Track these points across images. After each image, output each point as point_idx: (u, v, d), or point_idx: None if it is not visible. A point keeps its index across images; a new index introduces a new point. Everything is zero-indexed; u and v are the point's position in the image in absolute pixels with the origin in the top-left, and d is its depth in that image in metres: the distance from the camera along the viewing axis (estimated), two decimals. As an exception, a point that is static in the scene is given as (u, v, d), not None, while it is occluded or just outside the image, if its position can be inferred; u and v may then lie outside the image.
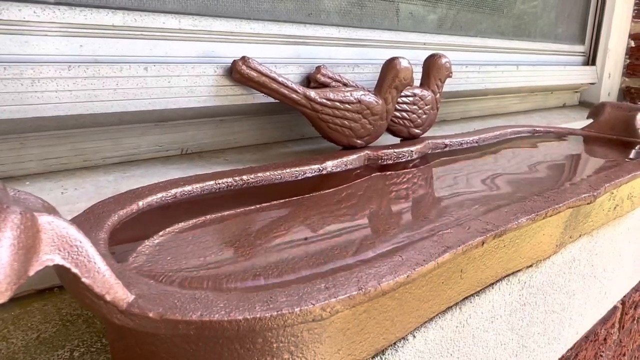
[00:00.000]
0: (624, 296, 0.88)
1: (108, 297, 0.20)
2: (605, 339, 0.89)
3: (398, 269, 0.24)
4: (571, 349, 0.75)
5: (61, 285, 0.34)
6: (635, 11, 1.06)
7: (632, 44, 1.07)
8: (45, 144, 0.38)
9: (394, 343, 0.29)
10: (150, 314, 0.19)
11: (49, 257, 0.19)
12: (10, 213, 0.18)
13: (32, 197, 0.23)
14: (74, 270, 0.20)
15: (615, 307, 0.88)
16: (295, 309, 0.20)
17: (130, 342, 0.23)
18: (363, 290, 0.22)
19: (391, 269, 0.24)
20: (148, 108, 0.38)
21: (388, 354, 0.28)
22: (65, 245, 0.20)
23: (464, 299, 0.34)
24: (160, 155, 0.44)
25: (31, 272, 0.18)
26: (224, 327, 0.19)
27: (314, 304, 0.20)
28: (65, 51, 0.35)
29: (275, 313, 0.20)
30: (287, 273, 0.27)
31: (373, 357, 0.28)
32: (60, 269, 0.20)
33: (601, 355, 0.90)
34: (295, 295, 0.21)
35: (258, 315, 0.20)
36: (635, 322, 1.02)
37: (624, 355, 1.02)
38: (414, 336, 0.30)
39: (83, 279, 0.20)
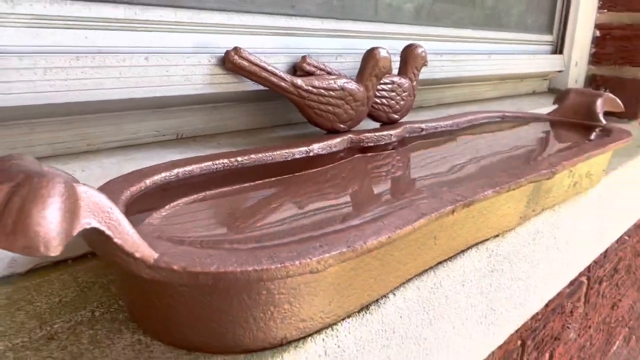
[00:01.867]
0: (589, 271, 0.94)
1: (137, 255, 0.23)
2: (572, 312, 0.96)
3: (381, 231, 0.28)
4: (540, 319, 0.81)
5: (75, 257, 0.37)
6: (601, 2, 1.11)
7: (598, 33, 1.13)
8: (53, 129, 0.41)
9: (377, 300, 0.33)
10: (175, 267, 0.23)
11: (86, 220, 0.22)
12: (56, 183, 0.21)
13: (63, 172, 0.26)
14: (107, 232, 0.23)
15: (581, 282, 0.95)
16: (296, 262, 0.24)
17: (151, 297, 0.27)
18: (351, 247, 0.26)
19: (375, 231, 0.28)
20: (149, 95, 0.41)
21: (372, 309, 0.32)
22: (99, 211, 0.23)
23: (437, 264, 0.38)
24: (158, 140, 0.48)
25: (74, 233, 0.22)
26: (237, 278, 0.23)
27: (311, 258, 0.24)
28: (72, 42, 0.38)
29: (279, 265, 0.24)
30: (284, 238, 0.30)
31: (359, 310, 0.32)
32: (94, 232, 0.23)
33: (568, 327, 0.97)
34: (294, 251, 0.25)
35: (265, 267, 0.23)
36: (600, 296, 1.09)
37: (590, 327, 1.09)
38: (394, 294, 0.34)
39: (115, 240, 0.23)
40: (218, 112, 0.52)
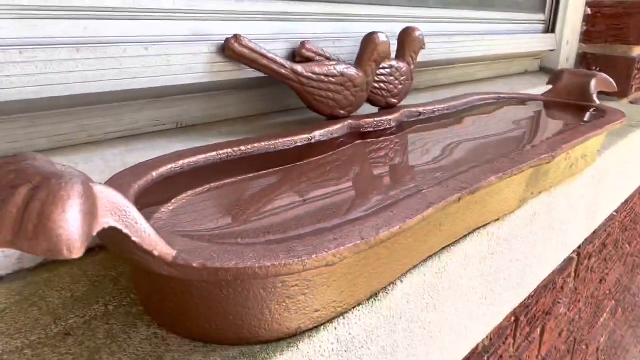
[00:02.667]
0: (579, 248, 0.96)
1: (155, 253, 0.24)
2: (562, 287, 0.98)
3: (391, 222, 0.28)
4: (532, 296, 0.83)
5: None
6: (592, -20, 1.11)
7: (589, 11, 1.13)
8: (53, 122, 0.40)
9: (385, 287, 0.34)
10: (194, 264, 0.23)
11: (105, 220, 0.22)
12: (75, 184, 0.21)
13: (76, 170, 0.26)
14: (125, 231, 0.23)
15: (571, 258, 0.97)
16: (312, 256, 0.24)
17: (168, 293, 0.27)
18: (365, 239, 0.26)
19: (386, 222, 0.28)
20: (150, 86, 0.40)
21: (381, 296, 0.33)
22: (116, 210, 0.23)
23: (442, 249, 0.39)
24: (158, 130, 0.47)
25: (94, 233, 0.22)
26: (255, 273, 0.23)
27: (327, 252, 0.25)
28: (72, 33, 0.37)
29: (297, 259, 0.24)
30: (293, 229, 0.31)
31: (369, 298, 0.32)
32: (111, 231, 0.23)
33: (559, 302, 0.99)
34: (310, 245, 0.25)
35: (283, 262, 0.24)
36: (589, 271, 1.12)
37: (579, 302, 1.12)
38: (402, 281, 0.35)
39: (133, 238, 0.23)
40: (217, 100, 0.51)
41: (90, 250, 0.37)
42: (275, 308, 0.27)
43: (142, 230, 0.24)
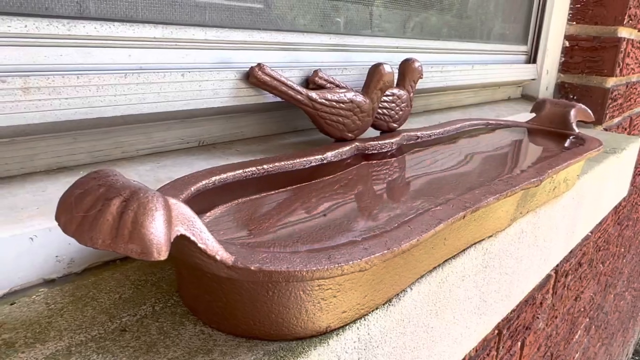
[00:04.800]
0: (557, 265, 1.02)
1: (218, 257, 0.27)
2: (541, 303, 1.04)
3: (410, 235, 0.33)
4: (514, 310, 0.88)
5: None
6: (570, 15, 1.19)
7: (567, 44, 1.21)
8: (92, 139, 0.44)
9: (398, 293, 0.38)
10: (252, 267, 0.27)
11: (177, 228, 0.26)
12: (159, 197, 0.25)
13: (141, 184, 0.30)
14: (193, 238, 0.27)
15: (549, 275, 1.03)
16: (350, 263, 0.29)
17: (217, 294, 0.31)
18: (390, 249, 0.31)
19: (406, 235, 0.33)
20: (184, 108, 0.44)
21: (394, 301, 0.37)
22: (185, 220, 0.27)
23: (444, 261, 0.44)
24: (183, 147, 0.51)
25: (172, 239, 0.26)
26: (303, 275, 0.28)
27: (360, 259, 0.29)
28: (118, 60, 0.41)
29: (337, 265, 0.28)
30: (319, 240, 0.35)
31: (385, 302, 0.37)
32: (181, 238, 0.27)
33: (537, 317, 1.05)
34: (347, 254, 0.29)
35: (325, 267, 0.28)
36: (565, 288, 1.18)
37: (556, 317, 1.18)
38: (411, 289, 0.39)
39: (199, 245, 0.27)
40: (234, 121, 0.56)
41: (126, 258, 0.41)
42: (310, 308, 0.31)
43: (205, 238, 0.28)
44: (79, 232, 0.24)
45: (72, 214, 0.25)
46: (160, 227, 0.24)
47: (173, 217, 0.26)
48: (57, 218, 0.26)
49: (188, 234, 0.27)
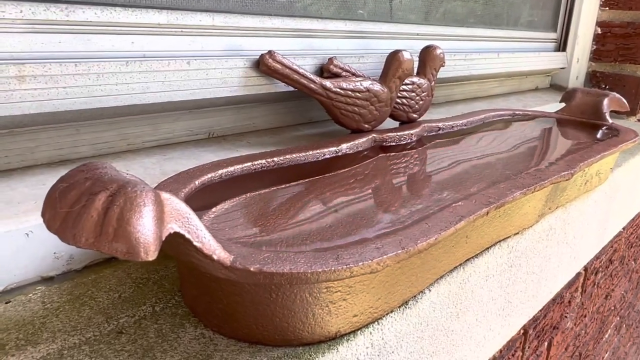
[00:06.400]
0: (587, 263, 0.98)
1: (214, 257, 0.25)
2: (569, 302, 0.99)
3: (428, 233, 0.30)
4: (541, 309, 0.84)
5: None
6: (602, 0, 1.13)
7: (599, 30, 1.15)
8: (96, 130, 0.42)
9: (415, 295, 0.35)
10: (252, 268, 0.25)
11: (170, 225, 0.24)
12: (148, 192, 0.23)
13: (139, 179, 0.28)
14: (188, 236, 0.25)
15: (578, 273, 0.98)
16: (359, 264, 0.26)
17: (217, 295, 0.29)
18: (405, 249, 0.28)
19: (423, 233, 0.30)
20: (190, 98, 0.42)
21: (411, 303, 0.35)
22: (179, 216, 0.25)
23: (466, 261, 0.41)
24: (191, 139, 0.49)
25: (163, 237, 0.23)
26: (307, 278, 0.25)
27: (371, 260, 0.26)
28: (119, 47, 0.39)
29: (345, 266, 0.26)
30: (329, 238, 0.32)
31: (400, 305, 0.34)
32: (175, 236, 0.25)
33: (565, 317, 1.00)
34: (356, 254, 0.27)
35: (332, 268, 0.25)
36: (595, 286, 1.13)
37: (585, 316, 1.13)
38: (430, 290, 0.37)
39: (195, 243, 0.25)
40: (246, 112, 0.53)
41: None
42: (318, 312, 0.28)
43: (202, 236, 0.25)
44: (62, 229, 0.22)
45: (56, 209, 0.23)
46: (149, 225, 0.22)
47: (166, 213, 0.24)
48: (43, 214, 0.24)
49: (182, 232, 0.25)
